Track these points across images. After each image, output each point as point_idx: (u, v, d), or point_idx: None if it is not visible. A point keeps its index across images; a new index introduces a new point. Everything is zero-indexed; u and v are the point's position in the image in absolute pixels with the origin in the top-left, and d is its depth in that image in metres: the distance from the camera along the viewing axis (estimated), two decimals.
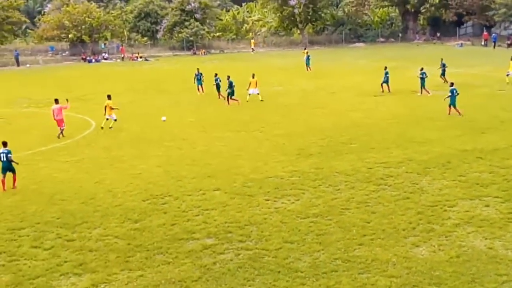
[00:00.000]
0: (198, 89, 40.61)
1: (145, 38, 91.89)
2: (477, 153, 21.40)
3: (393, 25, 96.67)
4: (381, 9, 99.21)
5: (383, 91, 37.51)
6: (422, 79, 36.13)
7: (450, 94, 28.98)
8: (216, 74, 37.84)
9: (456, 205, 16.09)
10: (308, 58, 53.35)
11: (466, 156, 21.10)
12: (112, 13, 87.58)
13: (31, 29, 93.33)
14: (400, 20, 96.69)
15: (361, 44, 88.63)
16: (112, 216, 16.35)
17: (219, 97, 37.21)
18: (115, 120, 29.27)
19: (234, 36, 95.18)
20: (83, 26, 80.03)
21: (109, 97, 29.60)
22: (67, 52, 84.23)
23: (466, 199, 16.59)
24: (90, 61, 76.50)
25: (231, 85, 35.13)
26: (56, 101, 28.22)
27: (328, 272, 12.28)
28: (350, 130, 26.60)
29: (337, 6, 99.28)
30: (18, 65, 72.43)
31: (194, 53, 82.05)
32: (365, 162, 20.87)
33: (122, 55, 79.68)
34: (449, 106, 29.05)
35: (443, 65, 41.58)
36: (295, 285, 11.82)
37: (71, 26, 79.16)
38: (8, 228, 15.76)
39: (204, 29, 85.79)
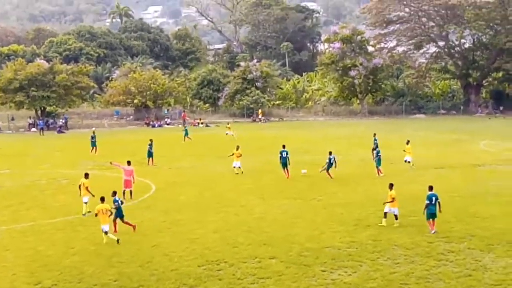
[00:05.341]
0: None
1: (207, 105, 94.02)
2: None
3: (455, 97, 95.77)
4: (442, 81, 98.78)
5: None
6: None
7: (327, 161, 31.58)
8: (150, 140, 41.03)
9: None
10: (186, 131, 56.70)
11: None
12: (176, 80, 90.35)
13: (99, 94, 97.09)
14: (462, 92, 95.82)
15: (422, 116, 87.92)
16: (168, 280, 16.39)
17: (150, 163, 39.94)
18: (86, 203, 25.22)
19: (294, 105, 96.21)
20: (148, 92, 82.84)
21: (86, 175, 25.99)
22: (131, 117, 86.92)
23: None
24: (153, 126, 78.66)
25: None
26: (129, 163, 29.12)
27: None
28: (409, 202, 26.05)
29: (397, 78, 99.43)
30: (67, 128, 74.95)
31: (254, 120, 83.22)
32: (425, 236, 20.36)
33: (184, 121, 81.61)
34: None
35: (375, 140, 40.20)
36: None
37: (137, 92, 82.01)
38: None
39: (264, 97, 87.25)
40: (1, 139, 65.36)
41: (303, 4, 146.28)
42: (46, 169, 39.67)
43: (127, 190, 28.38)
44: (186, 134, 56.18)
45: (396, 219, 22.14)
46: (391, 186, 22.53)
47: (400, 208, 24.70)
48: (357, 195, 28.25)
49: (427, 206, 21.12)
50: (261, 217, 24.05)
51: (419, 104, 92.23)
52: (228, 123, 65.40)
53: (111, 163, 31.61)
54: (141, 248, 19.73)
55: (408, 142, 36.91)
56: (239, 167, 35.44)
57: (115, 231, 21.53)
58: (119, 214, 21.69)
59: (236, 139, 52.99)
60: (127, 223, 21.81)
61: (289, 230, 21.69)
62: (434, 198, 21.16)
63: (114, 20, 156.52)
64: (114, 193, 22.17)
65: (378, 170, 33.92)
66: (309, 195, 28.39)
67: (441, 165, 36.86)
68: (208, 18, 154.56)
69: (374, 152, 35.14)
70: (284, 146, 34.41)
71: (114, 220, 21.74)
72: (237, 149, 35.90)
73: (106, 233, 20.60)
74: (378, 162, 34.05)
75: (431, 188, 21.66)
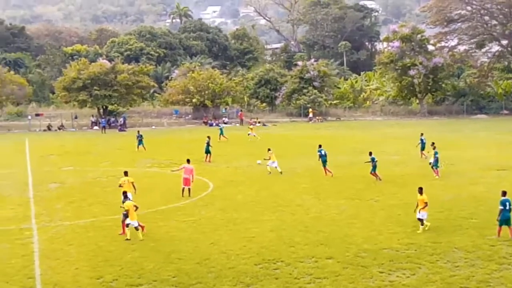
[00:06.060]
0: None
1: (264, 104, 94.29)
2: None
3: None
4: (505, 81, 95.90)
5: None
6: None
7: (371, 162, 31.79)
8: (208, 137, 42.70)
9: None
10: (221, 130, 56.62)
11: None
12: (234, 80, 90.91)
13: (158, 93, 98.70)
14: None
15: (483, 116, 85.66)
16: (225, 278, 16.59)
17: (206, 160, 41.18)
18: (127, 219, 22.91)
19: (351, 104, 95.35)
20: (206, 92, 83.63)
21: (126, 173, 26.99)
22: (190, 116, 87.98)
23: None
24: (211, 125, 79.36)
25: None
26: (188, 161, 29.97)
27: None
28: (471, 204, 25.56)
29: (458, 77, 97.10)
30: (125, 127, 75.77)
31: (311, 120, 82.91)
32: (487, 239, 19.91)
33: (241, 120, 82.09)
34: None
35: (422, 140, 40.24)
36: None
37: (195, 91, 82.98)
38: (127, 283, 16.40)
39: (321, 97, 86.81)
40: (64, 137, 67.39)
41: (362, 3, 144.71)
42: (107, 167, 40.66)
43: (186, 188, 28.88)
44: (222, 133, 56.25)
45: (422, 224, 21.47)
46: (420, 190, 21.89)
47: (461, 210, 24.29)
48: (415, 196, 27.74)
49: (501, 212, 20.09)
50: (317, 217, 24.03)
51: (481, 104, 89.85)
52: (250, 124, 65.36)
53: (172, 171, 32.39)
54: (199, 246, 20.03)
55: (433, 144, 35.66)
56: (269, 166, 35.62)
57: (123, 232, 21.45)
58: (125, 215, 21.47)
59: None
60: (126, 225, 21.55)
61: (346, 231, 21.59)
62: (508, 204, 20.08)
63: (174, 20, 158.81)
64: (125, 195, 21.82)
65: (435, 171, 33.27)
66: (366, 196, 28.16)
67: (503, 167, 35.86)
68: (266, 18, 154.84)
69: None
70: (320, 146, 35.10)
71: (123, 221, 21.43)
72: (268, 151, 36.34)
73: (137, 228, 20.99)
74: (435, 163, 33.40)
75: (504, 193, 20.56)
